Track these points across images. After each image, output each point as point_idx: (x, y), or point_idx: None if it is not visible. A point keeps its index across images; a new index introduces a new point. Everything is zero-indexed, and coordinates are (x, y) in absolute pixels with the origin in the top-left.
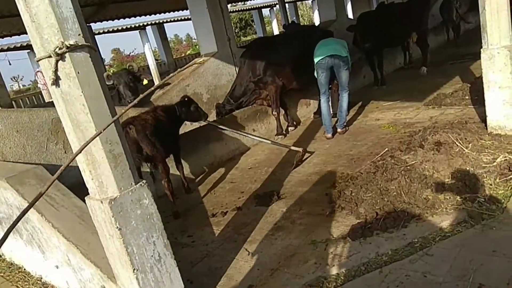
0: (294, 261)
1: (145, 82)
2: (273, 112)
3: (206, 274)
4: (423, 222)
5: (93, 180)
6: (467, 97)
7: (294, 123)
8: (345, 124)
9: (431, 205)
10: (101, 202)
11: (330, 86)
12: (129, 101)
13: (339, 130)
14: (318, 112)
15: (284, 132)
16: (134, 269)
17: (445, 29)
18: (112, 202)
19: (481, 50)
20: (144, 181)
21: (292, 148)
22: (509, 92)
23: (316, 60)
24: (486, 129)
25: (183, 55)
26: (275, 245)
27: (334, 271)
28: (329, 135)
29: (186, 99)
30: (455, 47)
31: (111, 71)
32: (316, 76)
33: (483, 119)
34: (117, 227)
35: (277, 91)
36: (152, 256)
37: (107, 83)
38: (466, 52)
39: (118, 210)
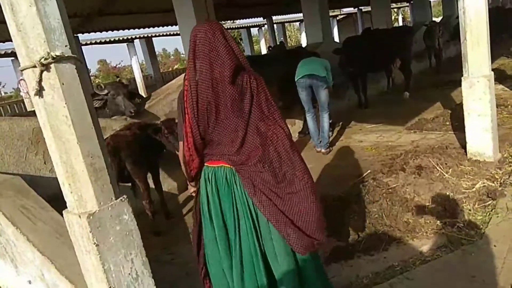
0: None
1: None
2: None
3: None
4: (403, 246)
5: (72, 193)
6: (447, 123)
7: None
8: (328, 144)
9: (411, 229)
10: (79, 216)
11: (315, 105)
12: (131, 111)
13: (322, 150)
14: (302, 131)
15: None
16: (110, 287)
17: (427, 56)
18: (91, 217)
19: (462, 78)
20: (125, 196)
21: None
22: (488, 120)
23: (296, 79)
24: (466, 155)
25: (170, 69)
26: None
27: None
28: (319, 149)
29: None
30: (437, 74)
31: (97, 81)
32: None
33: (463, 145)
34: (95, 243)
35: None
36: (129, 274)
37: (100, 93)
38: (448, 79)
39: (97, 225)
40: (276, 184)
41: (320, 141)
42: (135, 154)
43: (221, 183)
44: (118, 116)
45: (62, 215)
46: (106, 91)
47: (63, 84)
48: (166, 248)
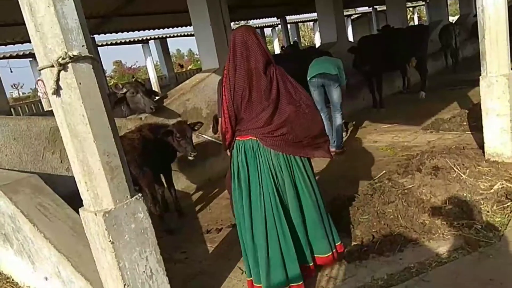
0: None
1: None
2: None
3: None
4: (419, 247)
5: (88, 191)
6: (465, 123)
7: None
8: (342, 145)
9: (428, 230)
10: (95, 214)
11: (328, 105)
12: (152, 108)
13: (336, 151)
14: None
15: None
16: (125, 285)
17: (443, 55)
18: (106, 215)
19: (480, 77)
20: (140, 194)
21: None
22: (507, 119)
23: (308, 78)
24: (484, 155)
25: (184, 70)
26: None
27: None
28: (333, 149)
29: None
30: (453, 73)
31: (112, 82)
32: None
33: (481, 146)
34: (110, 241)
35: None
36: (144, 272)
37: (119, 92)
38: (464, 78)
39: (112, 223)
40: (295, 143)
41: (334, 141)
42: (140, 159)
43: (249, 152)
44: (134, 115)
45: (78, 213)
46: (124, 90)
47: (80, 83)
48: (179, 247)
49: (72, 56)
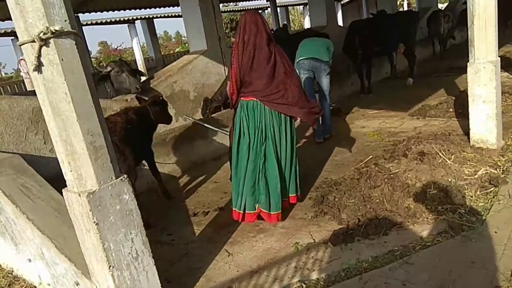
0: (274, 264)
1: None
2: None
3: (185, 274)
4: (404, 231)
5: (72, 172)
6: (451, 110)
7: None
8: (330, 130)
9: (412, 214)
10: (79, 195)
11: (317, 90)
12: (137, 87)
13: (325, 136)
14: None
15: None
16: (110, 266)
17: (431, 42)
18: (91, 196)
19: (468, 64)
20: (125, 175)
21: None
22: (493, 106)
23: (297, 59)
24: (469, 141)
25: (171, 52)
26: (255, 247)
27: (314, 276)
28: (320, 140)
29: (161, 98)
30: (441, 60)
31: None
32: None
33: (466, 132)
34: (94, 222)
35: None
36: (129, 253)
37: (103, 70)
38: (451, 65)
39: (96, 204)
40: (287, 106)
41: (322, 130)
42: (121, 143)
43: (251, 110)
44: (120, 96)
45: (62, 194)
46: (109, 68)
47: (62, 59)
48: (166, 229)
49: (54, 31)
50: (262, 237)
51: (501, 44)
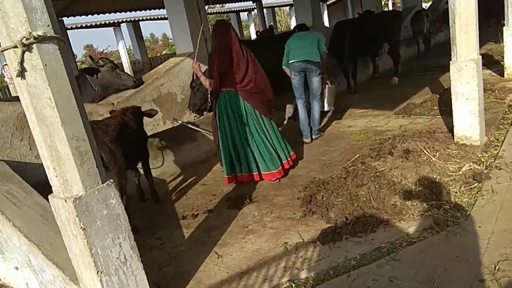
0: (264, 264)
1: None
2: None
3: (174, 278)
4: (390, 228)
5: (57, 177)
6: (435, 108)
7: None
8: (319, 132)
9: (398, 211)
10: (65, 200)
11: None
12: (135, 81)
13: (313, 137)
14: (292, 117)
15: None
16: (98, 271)
17: (415, 41)
18: (77, 201)
19: (450, 62)
20: (111, 180)
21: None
22: (475, 103)
23: (289, 60)
24: (453, 138)
25: (158, 54)
26: (245, 248)
27: (303, 275)
28: (308, 140)
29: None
30: (425, 59)
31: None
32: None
33: (450, 129)
34: (81, 227)
35: None
36: (117, 258)
37: (97, 65)
38: (435, 64)
39: (83, 210)
40: (257, 95)
41: (310, 130)
42: (113, 145)
43: (229, 99)
44: (106, 100)
45: (48, 200)
46: (102, 63)
47: (46, 65)
48: (154, 233)
49: (36, 36)
50: (251, 238)
51: (483, 42)
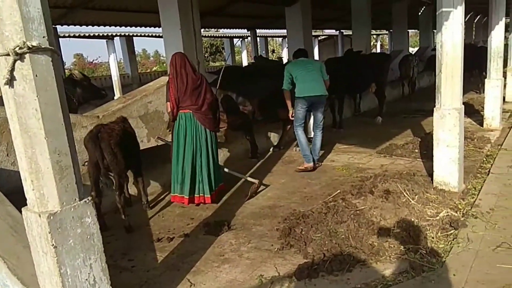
0: None
1: None
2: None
3: None
4: (367, 268)
5: (34, 191)
6: (416, 151)
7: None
8: (317, 161)
9: (376, 252)
10: (39, 215)
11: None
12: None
13: (314, 165)
14: (278, 146)
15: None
16: None
17: (401, 84)
18: (51, 217)
19: (434, 109)
20: (89, 198)
21: (248, 179)
22: (456, 151)
23: (299, 95)
24: (432, 183)
25: (148, 70)
26: (219, 278)
27: None
28: (311, 165)
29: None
30: (409, 102)
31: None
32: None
33: (430, 173)
34: (53, 245)
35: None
36: (86, 279)
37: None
38: (419, 108)
39: (57, 226)
40: (210, 117)
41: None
42: (116, 147)
43: (187, 120)
44: (90, 112)
45: (21, 211)
46: (78, 76)
47: (36, 75)
48: (127, 254)
49: (30, 46)
50: (226, 268)
51: (465, 91)
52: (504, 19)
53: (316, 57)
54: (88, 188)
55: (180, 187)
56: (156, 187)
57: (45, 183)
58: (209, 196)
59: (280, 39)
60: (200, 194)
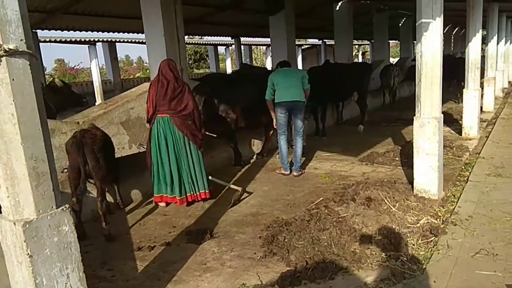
0: None
1: None
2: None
3: None
4: (349, 276)
5: (9, 198)
6: (397, 159)
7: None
8: (300, 167)
9: (358, 259)
10: (14, 223)
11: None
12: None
13: (295, 173)
14: (261, 153)
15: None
16: None
17: (382, 93)
18: (27, 225)
19: (414, 118)
20: (67, 205)
21: (232, 186)
22: (435, 159)
23: (277, 100)
24: (413, 190)
25: (131, 76)
26: (201, 287)
27: None
28: (287, 172)
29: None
30: (390, 111)
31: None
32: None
33: (410, 181)
34: (28, 254)
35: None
36: None
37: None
38: (399, 116)
39: (32, 235)
40: (189, 122)
41: (292, 165)
42: (99, 152)
43: (163, 124)
44: (71, 118)
45: None
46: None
47: (13, 79)
48: (106, 263)
49: (7, 49)
50: (208, 277)
51: (444, 100)
52: (481, 31)
53: (300, 65)
54: (67, 196)
55: (170, 188)
56: (137, 194)
57: (21, 190)
58: (207, 191)
59: (264, 47)
60: (192, 193)
